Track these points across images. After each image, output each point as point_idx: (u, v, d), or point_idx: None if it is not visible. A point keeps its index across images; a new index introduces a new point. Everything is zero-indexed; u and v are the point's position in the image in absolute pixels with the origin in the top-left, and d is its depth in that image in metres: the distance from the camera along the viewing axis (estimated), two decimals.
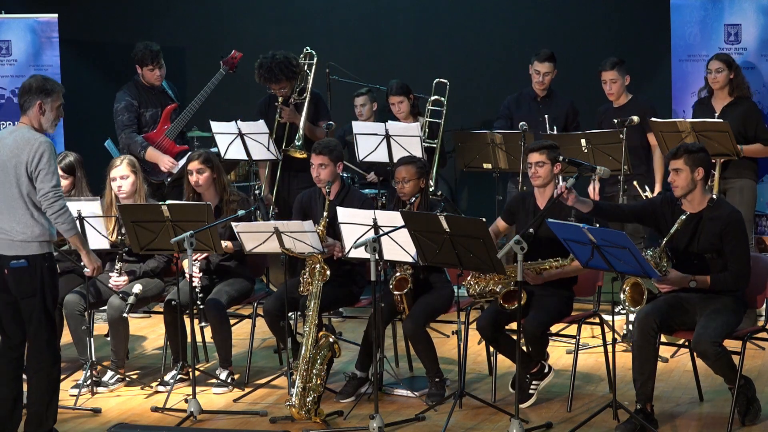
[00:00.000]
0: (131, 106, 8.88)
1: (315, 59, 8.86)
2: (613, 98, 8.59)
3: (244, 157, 8.70)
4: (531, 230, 6.59)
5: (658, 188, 8.46)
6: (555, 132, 8.63)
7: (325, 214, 7.16)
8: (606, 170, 6.72)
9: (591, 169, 6.70)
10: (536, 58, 8.90)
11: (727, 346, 6.26)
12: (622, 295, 6.29)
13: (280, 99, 8.72)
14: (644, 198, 7.99)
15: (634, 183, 8.15)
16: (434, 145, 8.77)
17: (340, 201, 7.31)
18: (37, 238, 6.15)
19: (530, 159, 6.87)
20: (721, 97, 8.35)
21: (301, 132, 8.62)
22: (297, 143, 8.60)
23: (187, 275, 7.00)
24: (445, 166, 9.30)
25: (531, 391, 6.87)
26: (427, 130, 8.81)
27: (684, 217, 6.31)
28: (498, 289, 6.69)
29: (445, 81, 8.84)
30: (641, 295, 6.26)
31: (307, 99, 8.73)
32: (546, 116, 8.75)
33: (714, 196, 6.49)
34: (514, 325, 6.61)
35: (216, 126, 8.70)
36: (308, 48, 8.91)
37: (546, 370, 6.94)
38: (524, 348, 6.78)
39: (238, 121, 8.59)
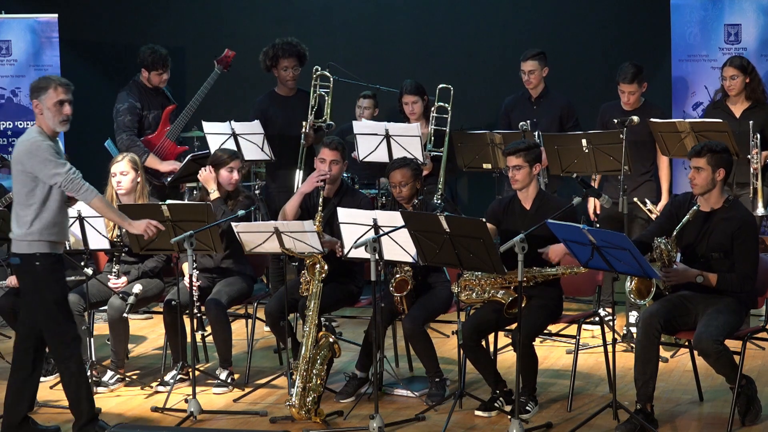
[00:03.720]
0: (134, 108, 8.83)
1: (331, 81, 8.86)
2: (628, 107, 8.38)
3: None
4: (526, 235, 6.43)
5: (664, 199, 8.34)
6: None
7: (319, 209, 7.17)
8: (609, 200, 7.19)
9: (597, 195, 7.18)
10: (522, 58, 8.89)
11: (727, 346, 6.26)
12: (627, 284, 6.28)
13: (306, 127, 8.73)
14: (646, 212, 7.87)
15: (635, 200, 7.95)
16: (440, 153, 8.71)
17: (340, 201, 7.30)
18: (25, 237, 6.22)
19: (508, 162, 6.81)
20: (739, 101, 8.26)
21: None
22: None
23: (186, 277, 7.00)
24: (455, 174, 9.20)
25: (528, 408, 6.73)
26: (432, 138, 8.75)
27: (696, 208, 6.32)
28: (500, 295, 6.64)
29: (449, 87, 8.76)
30: (648, 288, 6.26)
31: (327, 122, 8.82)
32: (534, 120, 8.67)
33: (730, 197, 6.47)
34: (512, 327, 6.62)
35: (208, 126, 8.67)
36: (327, 72, 8.87)
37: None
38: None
39: (232, 122, 8.59)
